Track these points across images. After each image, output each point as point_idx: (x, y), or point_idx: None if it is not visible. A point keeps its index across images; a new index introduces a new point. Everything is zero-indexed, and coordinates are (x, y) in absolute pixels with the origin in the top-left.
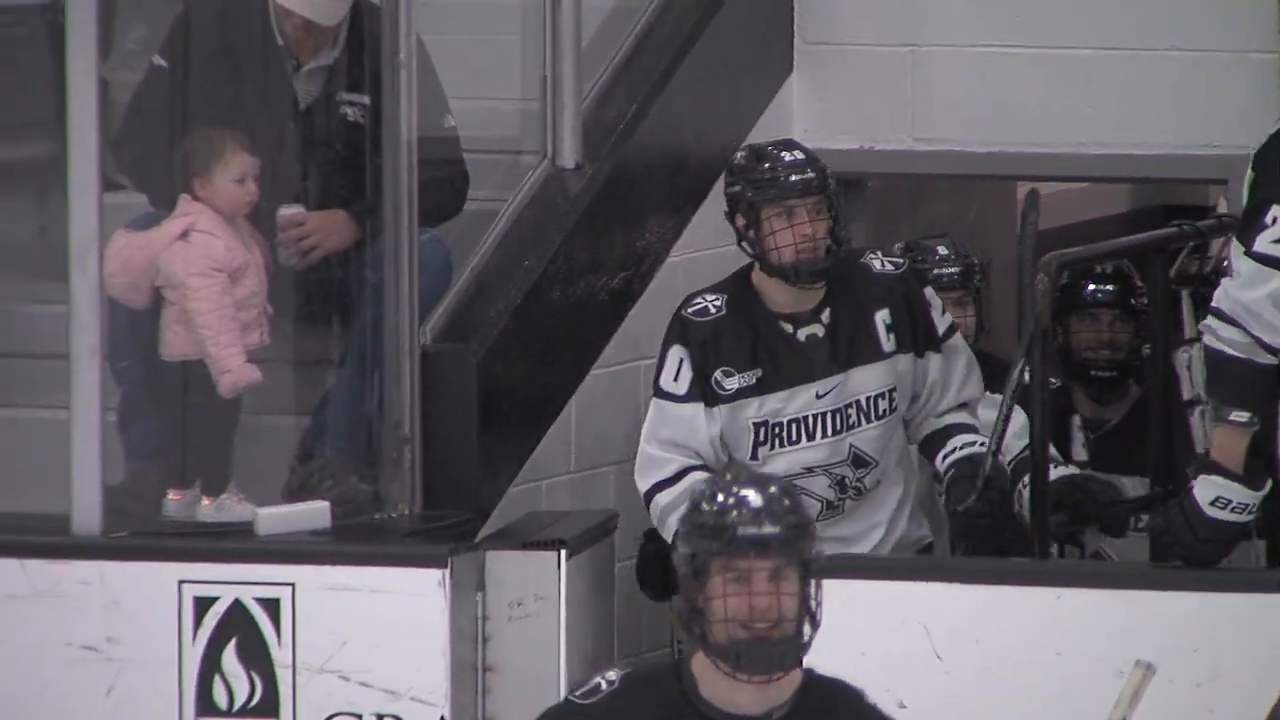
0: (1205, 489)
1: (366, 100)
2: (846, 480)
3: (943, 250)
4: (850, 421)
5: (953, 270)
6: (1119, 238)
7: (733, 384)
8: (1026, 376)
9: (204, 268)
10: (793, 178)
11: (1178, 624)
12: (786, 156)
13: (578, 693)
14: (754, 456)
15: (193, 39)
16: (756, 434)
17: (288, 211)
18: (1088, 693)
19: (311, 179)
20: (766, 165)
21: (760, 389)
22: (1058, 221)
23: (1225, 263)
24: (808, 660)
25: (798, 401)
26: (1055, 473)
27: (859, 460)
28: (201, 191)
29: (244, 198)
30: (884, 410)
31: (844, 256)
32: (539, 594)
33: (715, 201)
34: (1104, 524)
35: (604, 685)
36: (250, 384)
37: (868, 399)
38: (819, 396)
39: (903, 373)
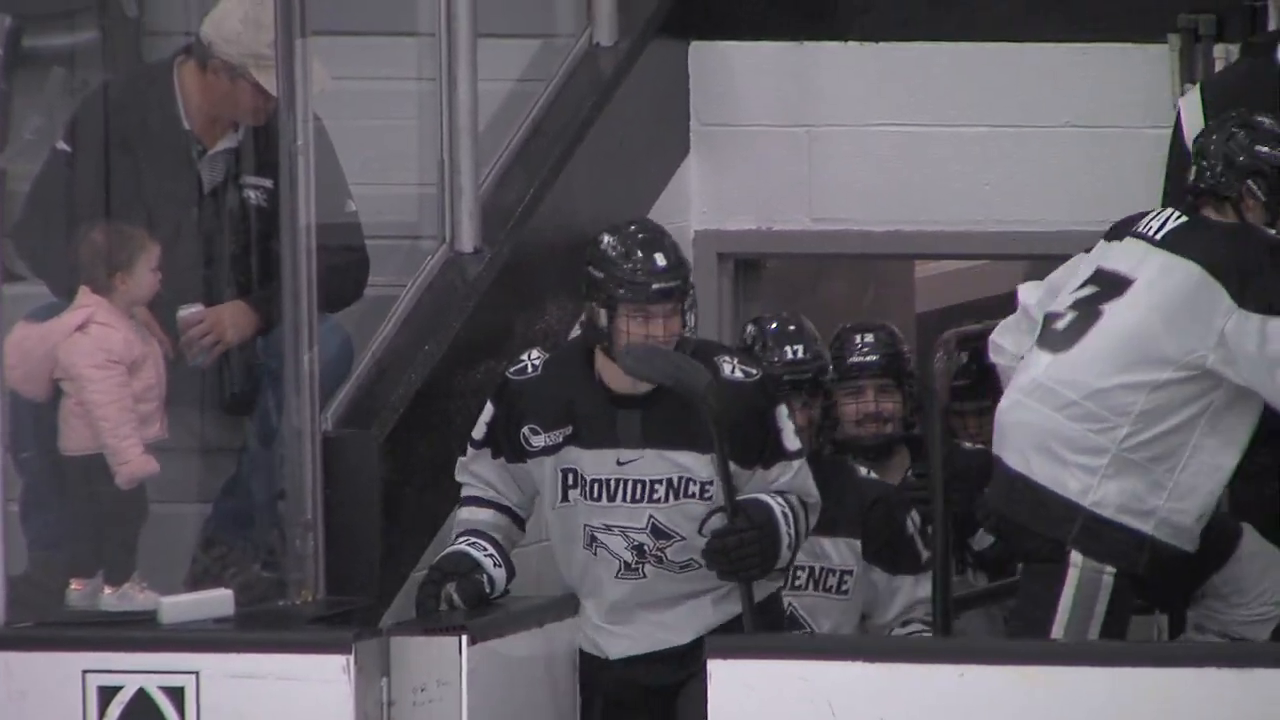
0: None
1: (269, 184)
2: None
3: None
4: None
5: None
6: None
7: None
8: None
9: (102, 360)
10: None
11: (1084, 700)
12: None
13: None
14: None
15: (96, 124)
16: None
17: (186, 312)
18: None
19: (214, 264)
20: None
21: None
22: (954, 299)
23: None
24: None
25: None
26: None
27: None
28: (121, 284)
29: (156, 285)
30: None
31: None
32: (442, 680)
33: None
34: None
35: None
36: (148, 475)
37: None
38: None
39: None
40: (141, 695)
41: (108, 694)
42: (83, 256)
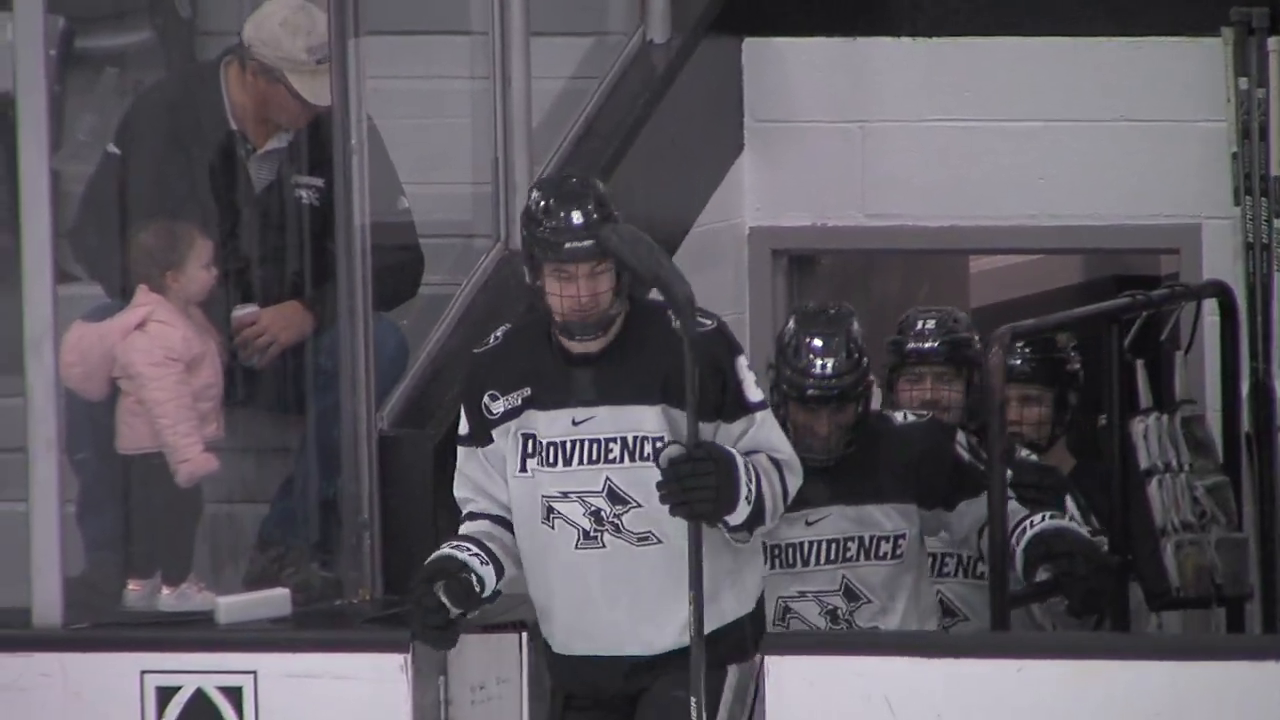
0: None
1: (320, 183)
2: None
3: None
4: (610, 455)
5: (930, 345)
6: (1072, 309)
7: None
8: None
9: (161, 358)
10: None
11: (1139, 694)
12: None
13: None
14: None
15: (146, 126)
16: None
17: (240, 312)
18: None
19: (266, 264)
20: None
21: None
22: (1010, 294)
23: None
24: None
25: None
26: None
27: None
28: (174, 283)
29: (210, 282)
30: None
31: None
32: (501, 677)
33: None
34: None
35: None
36: (208, 473)
37: (635, 438)
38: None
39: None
40: (199, 695)
41: (166, 694)
42: (136, 256)
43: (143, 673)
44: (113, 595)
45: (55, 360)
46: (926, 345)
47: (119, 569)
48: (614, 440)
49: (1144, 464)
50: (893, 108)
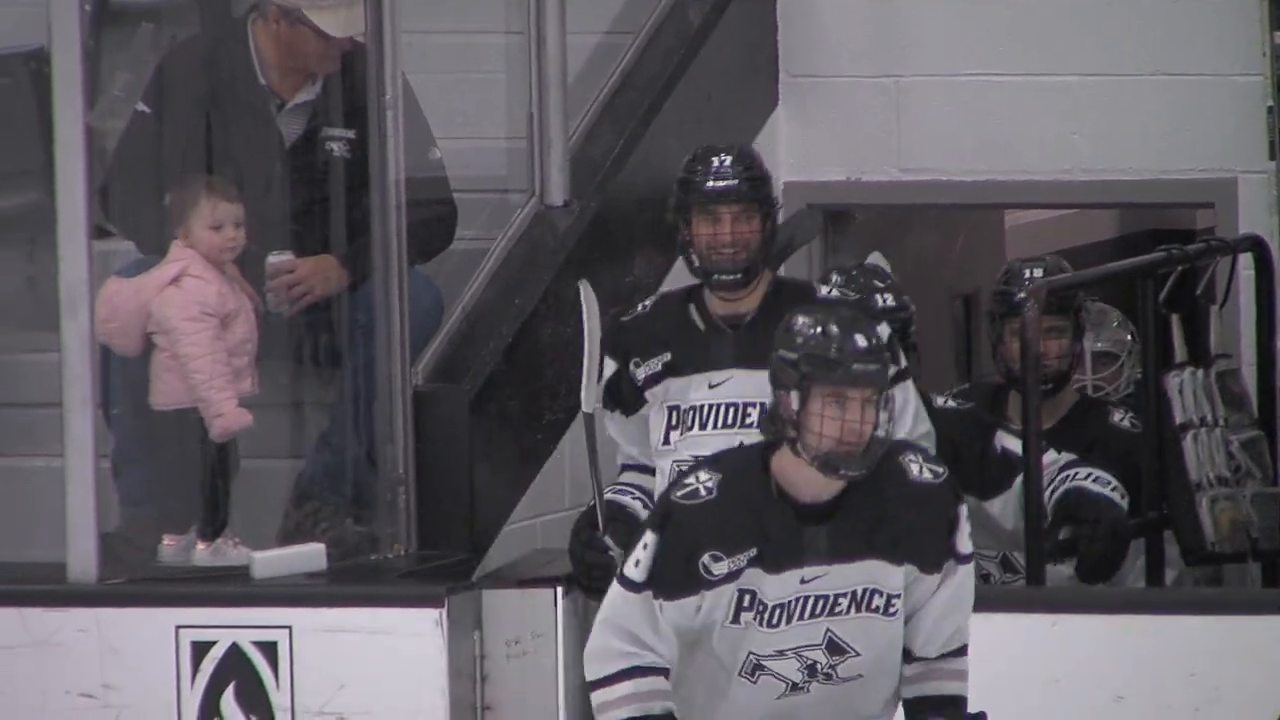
0: None
1: (351, 135)
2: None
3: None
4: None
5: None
6: (1107, 264)
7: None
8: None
9: (196, 312)
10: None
11: (1175, 649)
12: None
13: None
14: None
15: (175, 83)
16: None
17: (277, 259)
18: (1086, 719)
19: (299, 219)
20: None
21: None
22: (1045, 249)
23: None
24: None
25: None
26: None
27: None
28: (184, 240)
29: (223, 244)
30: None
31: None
32: (536, 632)
33: None
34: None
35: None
36: (242, 428)
37: (864, 590)
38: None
39: None
40: (235, 650)
41: (201, 649)
42: (166, 211)
43: (178, 628)
44: (148, 551)
45: (91, 316)
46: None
47: (154, 524)
48: (753, 405)
49: (1179, 419)
50: (927, 62)
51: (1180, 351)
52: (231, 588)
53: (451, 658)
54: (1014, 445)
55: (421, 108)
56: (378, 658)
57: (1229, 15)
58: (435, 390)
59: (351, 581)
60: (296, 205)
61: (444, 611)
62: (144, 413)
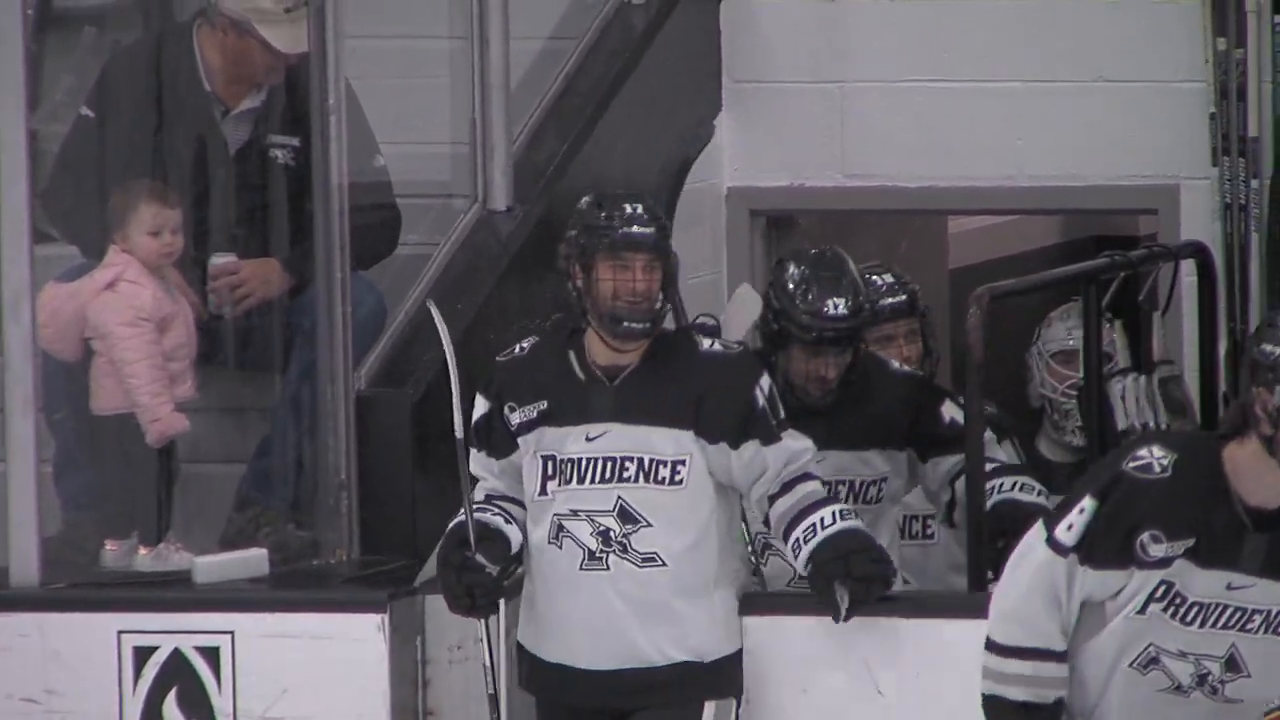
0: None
1: (296, 142)
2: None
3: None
4: (625, 474)
5: (899, 299)
6: (1050, 269)
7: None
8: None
9: (131, 317)
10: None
11: None
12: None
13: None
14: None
15: (119, 88)
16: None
17: (220, 260)
18: None
19: (242, 225)
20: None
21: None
22: (988, 255)
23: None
24: None
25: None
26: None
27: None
28: (122, 245)
29: (160, 250)
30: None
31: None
32: (478, 637)
33: None
34: None
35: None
36: (178, 432)
37: (650, 460)
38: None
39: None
40: (177, 655)
41: (143, 654)
42: (107, 216)
43: (120, 633)
44: (90, 555)
45: (33, 320)
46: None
47: (96, 529)
48: (630, 460)
49: (1121, 424)
50: (871, 68)
51: (1123, 358)
52: (174, 593)
53: (394, 663)
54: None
55: (365, 113)
56: (320, 663)
57: (1172, 22)
58: (378, 395)
59: (294, 587)
60: (240, 211)
61: (386, 617)
62: (85, 417)
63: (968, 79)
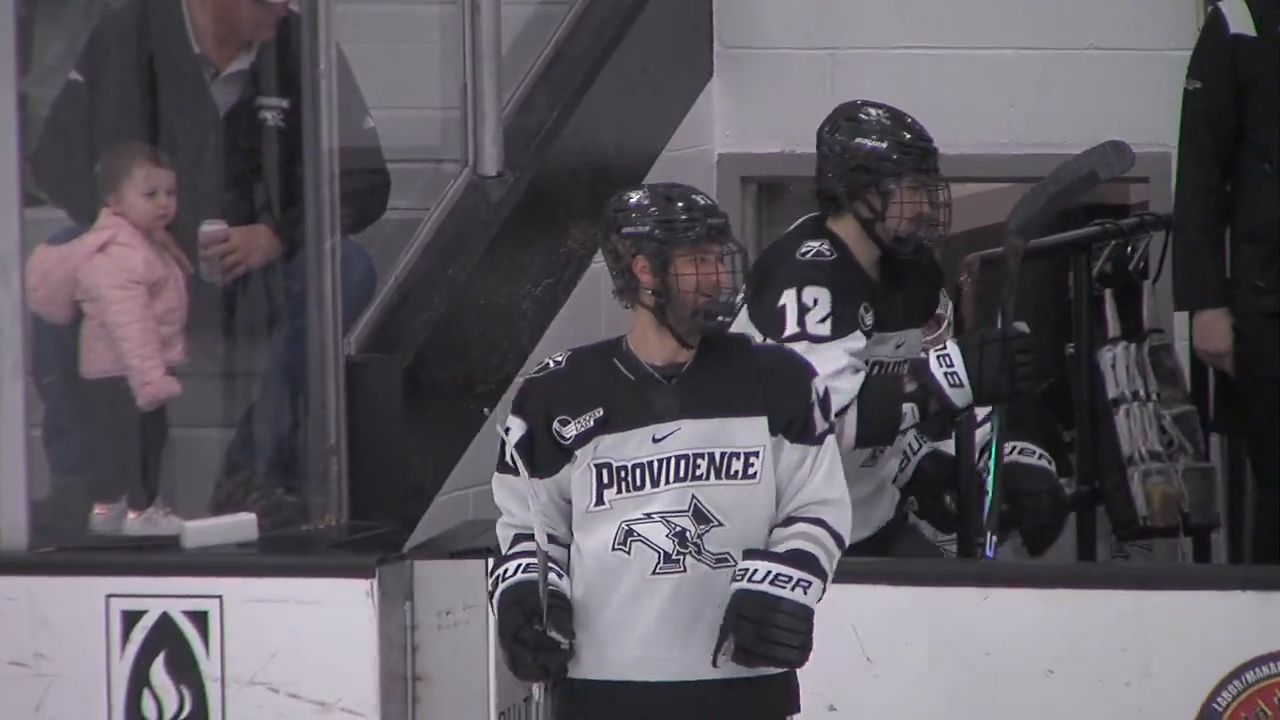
0: None
1: (285, 104)
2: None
3: None
4: (697, 472)
5: None
6: (1041, 237)
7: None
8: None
9: (123, 280)
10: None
11: (1106, 623)
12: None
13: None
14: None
15: (108, 52)
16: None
17: (210, 228)
18: (1017, 693)
19: (232, 189)
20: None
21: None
22: (979, 222)
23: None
24: None
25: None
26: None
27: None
28: (116, 207)
29: (155, 211)
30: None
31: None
32: (467, 602)
33: None
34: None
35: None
36: (169, 396)
37: (723, 455)
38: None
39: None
40: (165, 619)
41: (131, 618)
42: (96, 179)
43: (108, 596)
44: (79, 519)
45: (22, 284)
46: None
47: (85, 493)
48: (701, 456)
49: (1112, 393)
50: (862, 35)
51: (1113, 326)
52: (162, 557)
53: (382, 628)
54: None
55: (355, 77)
56: (309, 628)
57: None
58: (367, 360)
59: (282, 552)
60: (230, 174)
61: (375, 582)
62: (75, 381)
63: (958, 46)
